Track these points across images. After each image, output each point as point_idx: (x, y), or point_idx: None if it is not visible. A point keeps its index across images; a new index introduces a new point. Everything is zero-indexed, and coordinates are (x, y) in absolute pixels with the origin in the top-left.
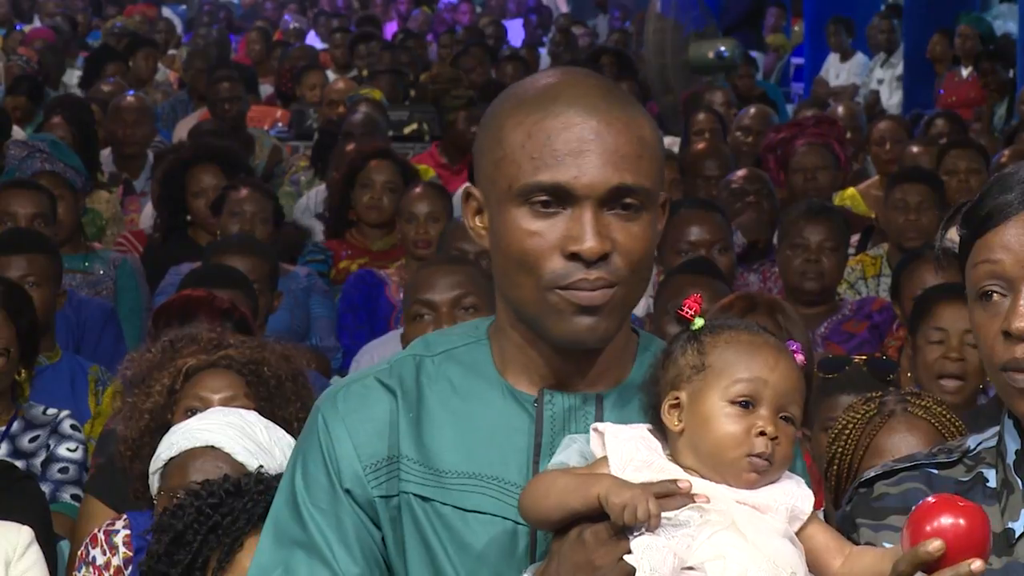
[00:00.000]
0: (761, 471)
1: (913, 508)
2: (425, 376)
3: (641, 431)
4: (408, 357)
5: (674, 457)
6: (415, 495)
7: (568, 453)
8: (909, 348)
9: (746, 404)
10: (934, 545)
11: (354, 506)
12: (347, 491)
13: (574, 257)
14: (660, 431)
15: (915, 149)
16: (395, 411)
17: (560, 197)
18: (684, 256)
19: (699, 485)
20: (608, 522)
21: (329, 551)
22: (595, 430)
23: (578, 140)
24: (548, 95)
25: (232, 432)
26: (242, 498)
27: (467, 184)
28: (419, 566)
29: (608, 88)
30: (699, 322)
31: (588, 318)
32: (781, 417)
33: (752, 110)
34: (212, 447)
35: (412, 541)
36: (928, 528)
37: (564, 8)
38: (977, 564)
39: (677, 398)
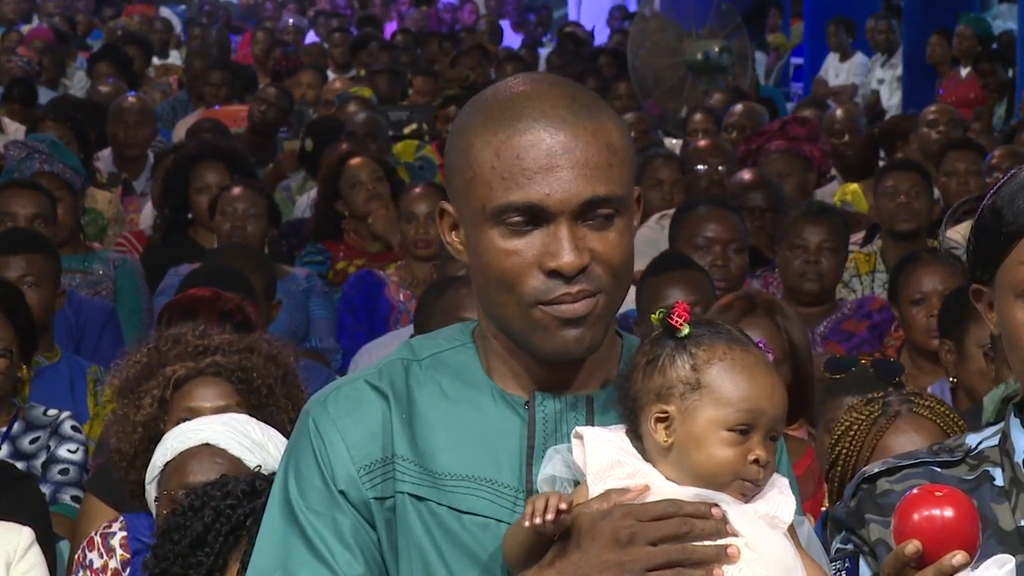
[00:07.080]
0: (748, 493)
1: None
2: (414, 380)
3: (620, 435)
4: (396, 361)
5: (653, 465)
6: (411, 495)
7: (553, 465)
8: (952, 355)
9: (743, 431)
10: (909, 549)
11: (350, 507)
12: (341, 492)
13: (554, 274)
14: (637, 436)
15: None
16: (387, 413)
17: (534, 215)
18: (700, 251)
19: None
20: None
21: (328, 552)
22: (576, 436)
23: (547, 156)
24: (514, 110)
25: (225, 429)
26: (260, 498)
27: (441, 202)
28: (412, 567)
29: (573, 95)
30: (687, 329)
31: (574, 330)
32: (769, 437)
33: (739, 107)
34: (208, 445)
35: (406, 542)
36: (913, 519)
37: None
38: (958, 558)
39: (666, 412)
